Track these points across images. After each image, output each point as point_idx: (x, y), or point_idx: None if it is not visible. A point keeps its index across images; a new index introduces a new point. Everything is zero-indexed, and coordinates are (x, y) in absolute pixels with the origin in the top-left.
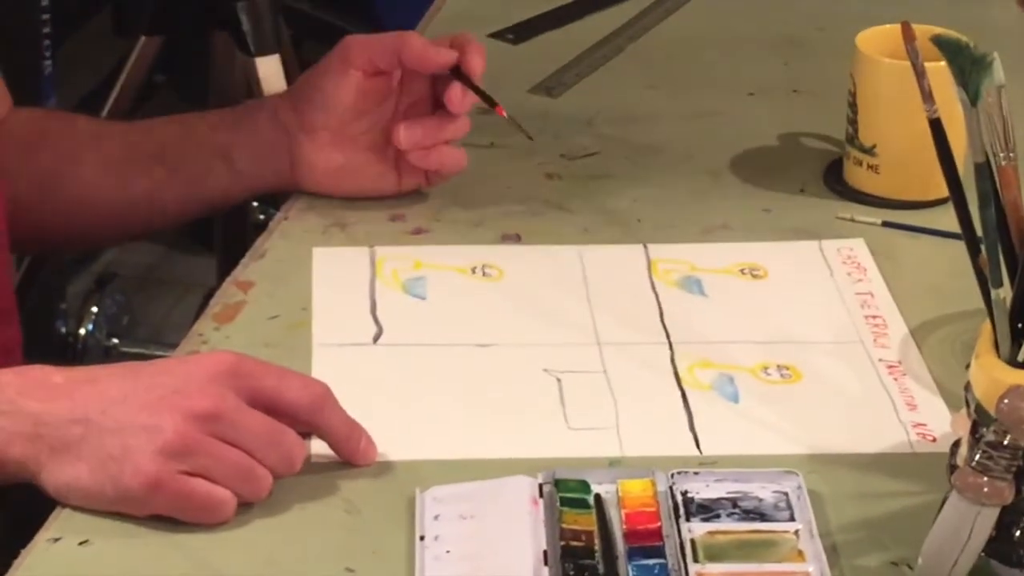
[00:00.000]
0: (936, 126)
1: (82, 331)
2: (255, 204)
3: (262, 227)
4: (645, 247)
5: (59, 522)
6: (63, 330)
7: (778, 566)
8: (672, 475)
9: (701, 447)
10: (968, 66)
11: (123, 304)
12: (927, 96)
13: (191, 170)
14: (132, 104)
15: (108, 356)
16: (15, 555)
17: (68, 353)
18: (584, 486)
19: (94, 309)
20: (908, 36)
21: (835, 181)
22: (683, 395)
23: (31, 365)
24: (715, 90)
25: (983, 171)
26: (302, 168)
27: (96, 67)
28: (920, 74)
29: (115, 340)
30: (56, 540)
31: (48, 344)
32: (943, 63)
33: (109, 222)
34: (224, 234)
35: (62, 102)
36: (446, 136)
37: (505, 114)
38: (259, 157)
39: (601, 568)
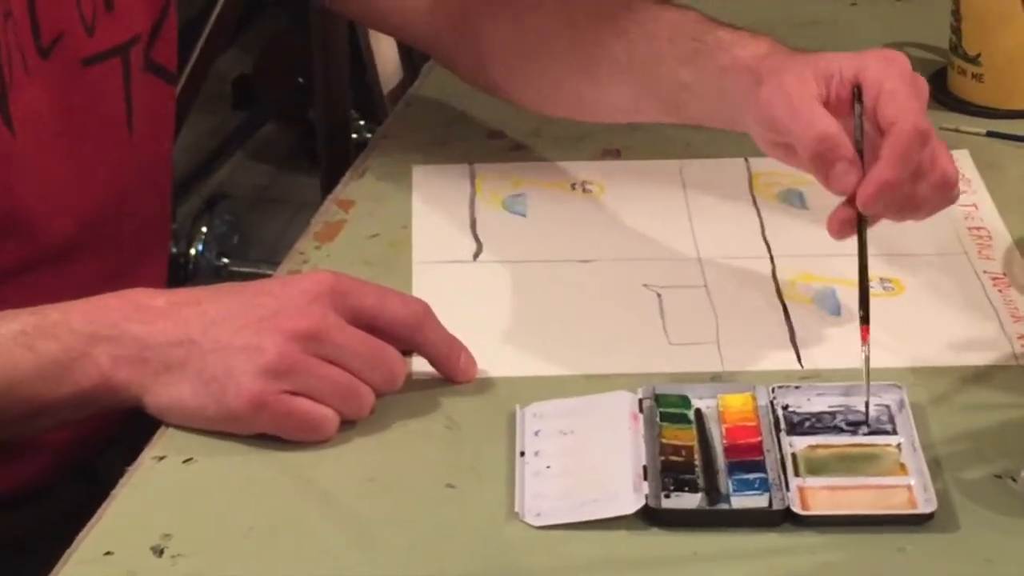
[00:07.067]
0: None
1: (192, 251)
2: (362, 122)
3: (363, 146)
4: (746, 160)
5: (163, 441)
6: (174, 250)
7: (880, 479)
8: (773, 389)
9: (802, 361)
10: None
11: (233, 224)
12: None
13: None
14: (235, 26)
15: (219, 276)
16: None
17: (179, 273)
18: (684, 401)
19: (204, 229)
20: None
21: (939, 91)
22: (784, 309)
23: (134, 288)
24: None
25: None
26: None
27: None
28: None
29: (225, 260)
30: (161, 458)
31: None
32: None
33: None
34: (327, 153)
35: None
36: None
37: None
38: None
39: (701, 483)
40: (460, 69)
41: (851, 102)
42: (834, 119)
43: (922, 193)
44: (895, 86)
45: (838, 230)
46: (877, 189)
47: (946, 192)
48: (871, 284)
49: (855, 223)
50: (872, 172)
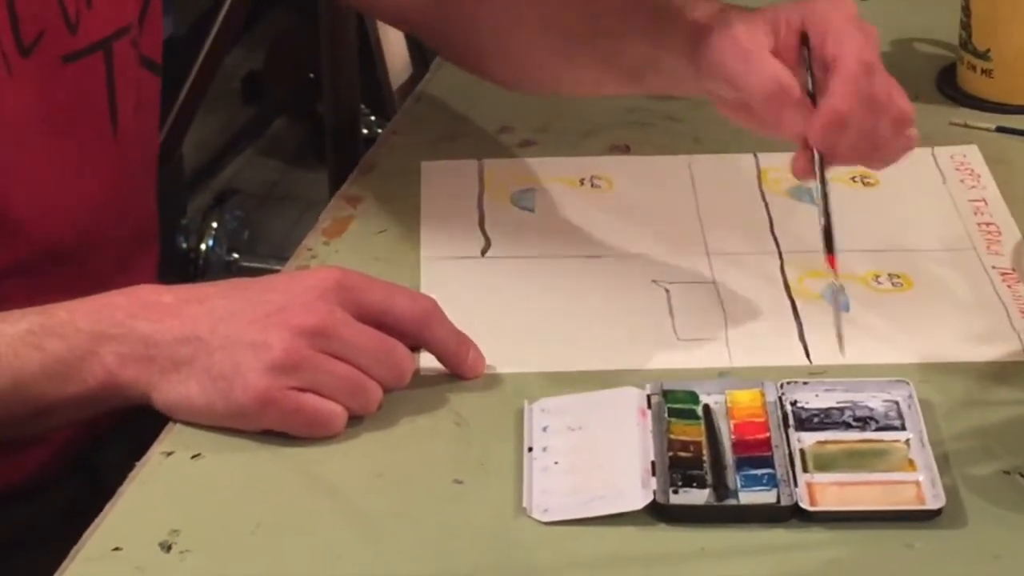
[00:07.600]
0: None
1: (203, 246)
2: (372, 118)
3: (372, 141)
4: (755, 156)
5: (172, 436)
6: (184, 246)
7: (888, 475)
8: (781, 385)
9: (811, 357)
10: None
11: (243, 219)
12: None
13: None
14: (243, 23)
15: (229, 271)
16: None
17: (189, 268)
18: (692, 397)
19: (214, 225)
20: None
21: (948, 86)
22: (793, 305)
23: (140, 285)
24: None
25: None
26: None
27: None
28: None
29: (235, 255)
30: (169, 454)
31: (169, 260)
32: None
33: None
34: (334, 149)
35: (181, 21)
36: None
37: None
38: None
39: (709, 478)
40: (448, 53)
41: (799, 49)
42: (783, 66)
43: (881, 132)
44: (839, 25)
45: (800, 172)
46: (827, 121)
47: (903, 130)
48: (879, 279)
49: (814, 163)
50: (821, 105)
